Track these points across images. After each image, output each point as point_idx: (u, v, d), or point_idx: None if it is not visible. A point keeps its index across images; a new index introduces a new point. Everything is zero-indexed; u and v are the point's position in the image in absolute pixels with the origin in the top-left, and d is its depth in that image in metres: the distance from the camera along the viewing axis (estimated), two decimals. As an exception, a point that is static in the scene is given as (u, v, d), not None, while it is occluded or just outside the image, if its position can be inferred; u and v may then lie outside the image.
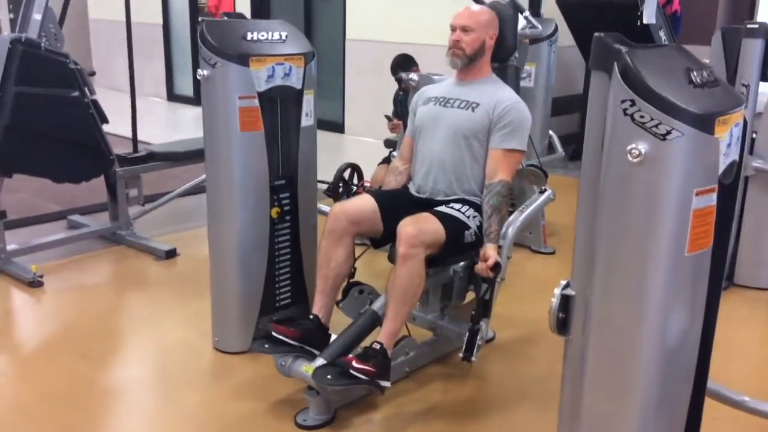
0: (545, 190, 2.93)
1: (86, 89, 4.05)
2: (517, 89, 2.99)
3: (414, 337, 2.89)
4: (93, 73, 4.74)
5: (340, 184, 3.50)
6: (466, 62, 2.77)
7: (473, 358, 2.61)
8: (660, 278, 1.63)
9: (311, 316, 2.68)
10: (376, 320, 2.66)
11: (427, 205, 2.76)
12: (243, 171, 2.94)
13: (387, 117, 4.63)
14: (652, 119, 1.52)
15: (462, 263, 2.87)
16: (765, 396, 2.54)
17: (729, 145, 1.63)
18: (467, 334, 2.63)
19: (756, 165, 3.69)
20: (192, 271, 3.99)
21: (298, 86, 3.01)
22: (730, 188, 1.73)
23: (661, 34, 5.20)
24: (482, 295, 2.64)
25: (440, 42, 2.82)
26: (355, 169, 3.58)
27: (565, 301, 1.82)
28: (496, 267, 2.54)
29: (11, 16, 9.46)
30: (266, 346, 2.59)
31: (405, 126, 3.12)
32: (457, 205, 2.73)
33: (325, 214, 2.81)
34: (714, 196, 1.59)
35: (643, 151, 1.53)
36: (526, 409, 2.76)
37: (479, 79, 2.83)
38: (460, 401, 2.81)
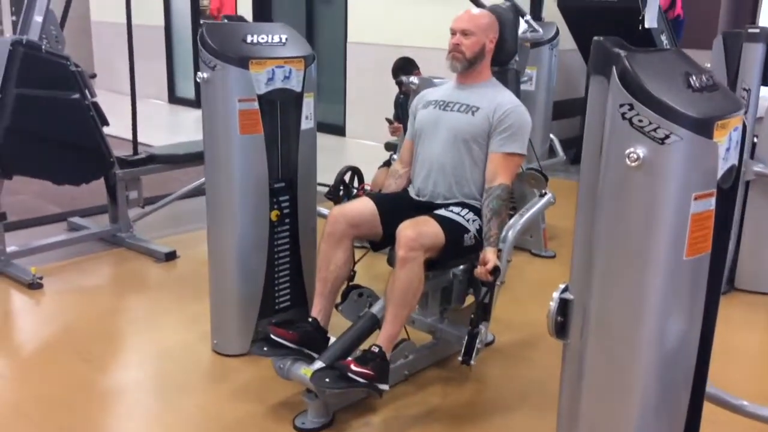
0: (545, 193, 2.93)
1: (87, 91, 4.06)
2: (518, 93, 2.99)
3: (413, 340, 2.89)
4: (94, 76, 4.75)
5: (341, 187, 3.51)
6: (466, 66, 2.77)
7: (472, 362, 2.61)
8: (658, 282, 1.62)
9: (310, 319, 2.68)
10: (375, 323, 2.66)
11: (426, 208, 2.76)
12: (243, 174, 2.94)
13: (388, 120, 4.63)
14: (650, 123, 1.52)
15: (462, 266, 2.87)
16: (764, 400, 2.54)
17: (728, 149, 1.63)
18: (466, 337, 2.63)
19: (757, 169, 3.69)
20: (191, 273, 3.99)
21: (298, 89, 3.01)
22: (730, 193, 1.73)
23: (663, 38, 5.21)
24: (482, 299, 2.63)
25: (442, 45, 2.82)
26: (356, 172, 3.59)
27: (564, 305, 1.82)
28: (496, 271, 2.54)
29: (13, 18, 9.49)
30: (265, 348, 2.59)
31: (406, 129, 3.12)
32: (457, 209, 2.73)
33: (324, 216, 2.81)
34: (712, 200, 1.59)
35: (641, 155, 1.53)
36: (525, 412, 2.75)
37: (479, 83, 2.83)
38: (459, 404, 2.80)
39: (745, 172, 3.66)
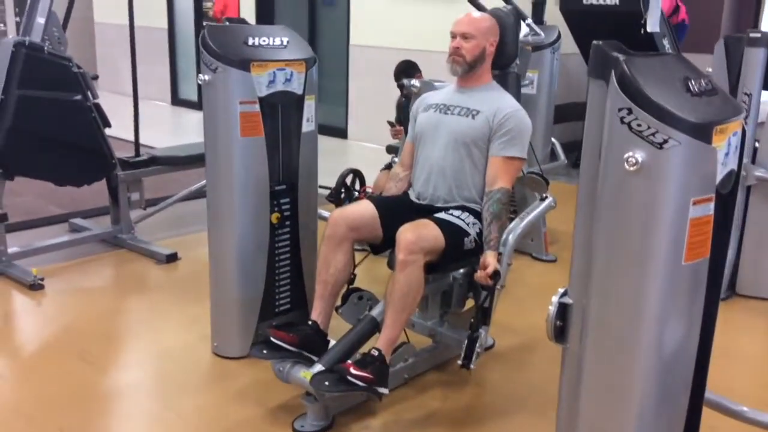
0: (546, 197, 2.93)
1: (89, 93, 4.07)
2: (518, 96, 2.99)
3: (413, 343, 2.88)
4: (96, 77, 4.76)
5: (342, 190, 3.51)
6: (466, 69, 2.77)
7: (472, 366, 2.60)
8: (657, 287, 1.62)
9: (310, 322, 2.68)
10: (375, 326, 2.66)
11: (427, 211, 2.75)
12: (243, 176, 2.94)
13: (390, 123, 4.64)
14: (649, 128, 1.52)
15: (462, 270, 2.87)
16: (764, 406, 2.53)
17: (727, 154, 1.63)
18: (466, 341, 2.62)
19: (758, 174, 3.68)
20: (192, 275, 3.99)
21: (299, 92, 3.01)
22: (729, 198, 1.73)
23: (665, 42, 5.20)
24: (482, 303, 2.63)
25: (444, 48, 2.82)
26: (357, 174, 3.59)
27: (563, 309, 1.82)
28: (496, 275, 2.54)
29: (17, 19, 9.52)
30: (265, 351, 2.59)
31: (407, 132, 3.12)
32: (457, 212, 2.73)
33: (325, 219, 2.81)
34: (711, 205, 1.59)
35: (639, 159, 1.53)
36: (525, 416, 2.75)
37: (480, 86, 2.83)
38: (459, 408, 2.80)
39: (746, 177, 3.66)
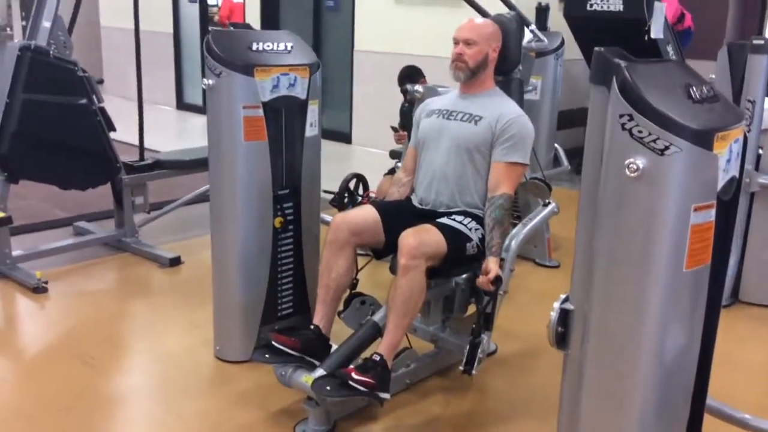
0: (549, 203, 2.93)
1: (94, 97, 4.08)
2: (521, 102, 2.99)
3: (415, 348, 2.89)
4: (101, 81, 4.79)
5: (346, 195, 3.51)
6: (469, 75, 2.78)
7: (474, 371, 2.60)
8: (658, 294, 1.62)
9: (312, 326, 2.68)
10: (377, 331, 2.66)
11: (429, 216, 2.76)
12: (247, 180, 2.95)
13: (393, 128, 4.65)
14: (650, 134, 1.53)
15: (464, 275, 2.86)
16: (767, 414, 2.52)
17: (728, 161, 1.63)
18: (468, 346, 2.62)
19: (762, 181, 3.67)
20: (195, 279, 4.00)
21: (303, 96, 3.02)
22: (730, 204, 1.73)
23: (669, 48, 5.20)
24: (484, 308, 2.63)
25: (448, 54, 2.83)
26: (361, 179, 3.59)
27: (564, 316, 1.82)
28: (497, 280, 2.54)
29: (23, 23, 9.55)
30: (267, 355, 2.59)
31: (410, 137, 3.12)
32: (460, 217, 2.73)
33: (328, 224, 2.81)
34: (712, 212, 1.59)
35: (641, 165, 1.54)
36: (527, 422, 2.74)
37: (482, 92, 2.83)
38: (461, 414, 2.80)
39: (749, 183, 3.66)
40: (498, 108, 2.77)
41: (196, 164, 4.43)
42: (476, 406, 2.87)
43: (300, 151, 3.09)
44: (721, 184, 1.61)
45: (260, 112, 2.89)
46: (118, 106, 5.06)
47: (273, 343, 2.57)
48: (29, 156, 3.91)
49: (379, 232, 2.73)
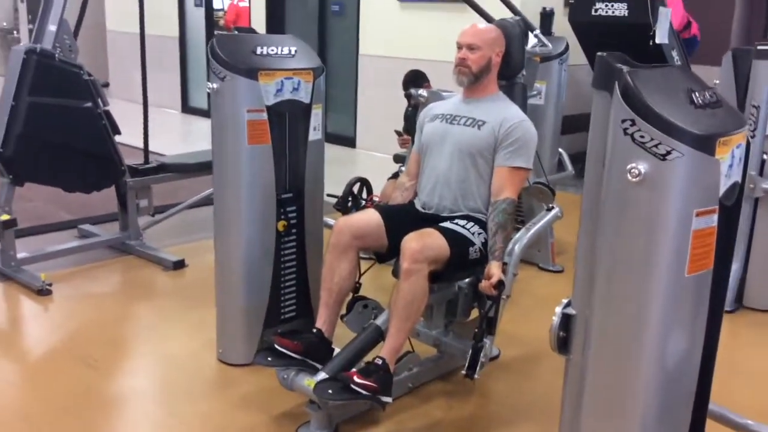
0: (553, 207, 2.92)
1: (99, 100, 4.10)
2: (524, 107, 2.99)
3: (418, 352, 2.88)
4: (106, 84, 4.79)
5: (350, 198, 3.52)
6: (472, 80, 2.78)
7: (476, 376, 2.59)
8: (659, 299, 1.62)
9: (314, 330, 2.68)
10: (380, 335, 2.66)
11: (432, 221, 2.76)
12: (250, 184, 2.96)
13: (397, 132, 4.65)
14: (652, 139, 1.53)
15: (467, 280, 2.87)
16: (770, 420, 2.51)
17: (731, 166, 1.63)
18: (470, 351, 2.62)
19: (766, 187, 3.67)
20: (199, 282, 4.00)
21: (307, 100, 3.03)
22: (733, 210, 1.73)
23: (674, 54, 5.20)
24: (487, 313, 2.63)
25: (453, 59, 2.83)
26: (365, 183, 3.60)
27: (566, 320, 1.82)
28: (500, 285, 2.54)
29: (30, 26, 9.60)
30: (269, 358, 2.59)
31: (414, 142, 3.13)
32: (462, 222, 2.73)
33: (331, 227, 2.82)
34: (714, 217, 1.59)
35: (642, 170, 1.54)
36: (529, 427, 2.74)
37: (485, 97, 2.84)
38: (463, 418, 2.80)
39: (754, 189, 3.65)
40: (501, 113, 2.77)
41: (201, 167, 4.44)
42: (478, 411, 2.87)
43: (303, 155, 3.09)
44: (723, 189, 1.61)
45: (264, 115, 2.90)
46: (123, 110, 5.07)
47: (275, 346, 2.58)
48: (34, 159, 3.93)
49: (381, 236, 2.73)
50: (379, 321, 2.69)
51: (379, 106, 7.24)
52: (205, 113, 9.12)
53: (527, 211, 4.14)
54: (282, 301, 3.15)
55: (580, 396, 1.79)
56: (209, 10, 9.43)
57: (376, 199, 3.82)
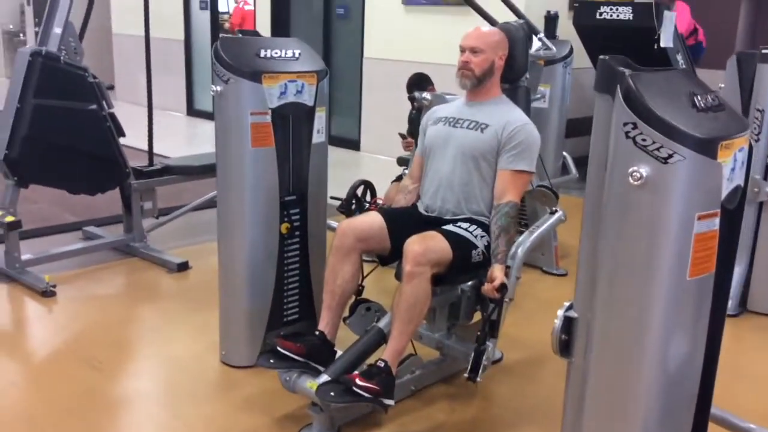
0: (556, 210, 2.93)
1: (104, 102, 4.11)
2: (528, 110, 2.99)
3: (420, 355, 2.88)
4: (111, 87, 4.82)
5: (353, 201, 3.52)
6: (475, 83, 2.79)
7: (479, 379, 2.59)
8: (661, 302, 1.62)
9: (317, 332, 2.68)
10: (382, 338, 2.66)
11: (435, 223, 2.76)
12: (254, 186, 2.96)
13: (401, 135, 4.65)
14: (653, 142, 1.53)
15: (470, 282, 2.86)
16: (773, 424, 2.51)
17: (733, 169, 1.63)
18: (473, 354, 2.62)
19: (770, 190, 3.66)
20: (203, 284, 4.01)
21: (310, 103, 3.03)
22: (735, 213, 1.73)
23: (679, 57, 5.20)
24: (489, 316, 2.63)
25: (457, 62, 2.83)
26: (369, 186, 3.60)
27: (568, 323, 1.82)
28: (502, 288, 2.53)
29: (37, 29, 9.64)
30: (271, 361, 2.60)
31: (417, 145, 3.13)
32: (465, 225, 2.73)
33: (334, 230, 2.82)
34: (716, 220, 1.59)
35: (644, 174, 1.54)
36: (532, 430, 2.74)
37: (489, 100, 2.84)
38: (465, 421, 2.79)
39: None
40: (504, 116, 2.77)
41: (205, 170, 4.45)
42: (481, 414, 2.86)
43: (307, 158, 3.10)
44: (725, 192, 1.60)
45: (268, 118, 2.91)
46: (128, 112, 5.09)
47: (278, 348, 2.58)
48: (39, 160, 3.95)
49: (384, 239, 2.74)
50: (382, 324, 2.69)
51: (383, 109, 7.24)
52: (210, 116, 9.09)
53: (531, 215, 4.14)
54: (285, 304, 3.16)
55: (582, 399, 1.79)
56: (214, 14, 9.46)
57: (379, 202, 3.82)
